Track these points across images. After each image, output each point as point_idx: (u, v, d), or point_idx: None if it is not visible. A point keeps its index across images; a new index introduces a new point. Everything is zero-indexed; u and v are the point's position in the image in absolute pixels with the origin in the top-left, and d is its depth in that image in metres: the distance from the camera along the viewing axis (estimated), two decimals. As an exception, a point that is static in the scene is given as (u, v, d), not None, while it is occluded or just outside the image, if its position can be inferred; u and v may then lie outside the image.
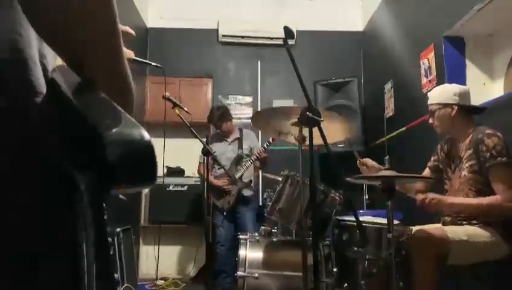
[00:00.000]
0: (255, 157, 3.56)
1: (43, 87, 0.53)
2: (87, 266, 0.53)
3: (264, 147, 3.55)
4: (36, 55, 0.54)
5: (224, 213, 3.63)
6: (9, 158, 0.49)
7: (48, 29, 0.51)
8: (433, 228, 1.99)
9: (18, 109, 0.51)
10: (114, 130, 0.44)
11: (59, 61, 0.60)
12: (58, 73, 0.55)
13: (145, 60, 1.36)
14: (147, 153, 0.47)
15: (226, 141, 3.85)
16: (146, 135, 0.46)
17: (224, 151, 3.78)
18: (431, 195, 2.01)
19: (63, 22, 0.50)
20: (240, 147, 3.76)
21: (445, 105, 2.19)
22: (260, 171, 4.02)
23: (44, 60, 0.56)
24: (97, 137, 0.43)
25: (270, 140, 3.52)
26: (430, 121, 2.28)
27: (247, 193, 3.71)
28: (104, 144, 0.43)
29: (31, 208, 0.50)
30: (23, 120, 0.51)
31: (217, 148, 3.76)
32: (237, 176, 3.60)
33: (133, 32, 0.79)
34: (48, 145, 0.51)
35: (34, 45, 0.54)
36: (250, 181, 3.63)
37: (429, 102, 2.28)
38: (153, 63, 1.64)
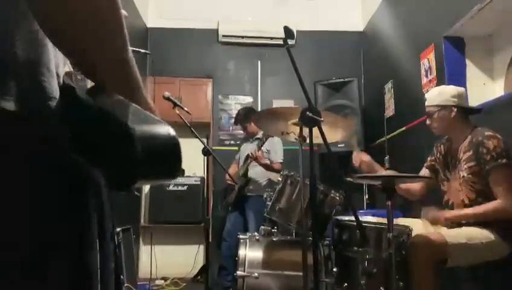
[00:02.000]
0: (250, 156, 3.56)
1: (56, 93, 0.55)
2: (103, 262, 0.55)
3: (258, 146, 3.55)
4: (51, 63, 0.56)
5: (229, 208, 3.68)
6: (23, 160, 0.50)
7: (57, 31, 0.52)
8: (432, 233, 2.00)
9: (34, 113, 0.52)
10: (141, 127, 0.45)
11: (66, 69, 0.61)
12: (69, 79, 0.57)
13: (132, 48, 1.35)
14: (173, 149, 0.49)
15: (250, 140, 3.90)
16: (172, 132, 0.49)
17: (245, 150, 3.81)
18: (431, 213, 2.05)
19: (72, 23, 0.51)
20: (259, 147, 3.73)
21: (444, 107, 2.20)
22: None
23: (57, 67, 0.58)
24: (125, 134, 0.44)
25: (264, 139, 3.50)
26: (428, 122, 2.29)
27: (249, 192, 3.71)
28: (132, 140, 0.44)
29: (43, 207, 0.51)
30: (38, 123, 0.52)
31: (242, 147, 3.93)
32: (240, 173, 3.65)
33: (125, 13, 0.79)
34: (62, 146, 0.52)
35: (50, 52, 0.56)
36: (247, 180, 3.62)
37: (427, 104, 2.28)
38: (142, 50, 1.64)
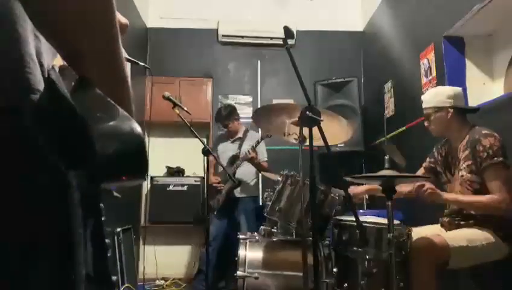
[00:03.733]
0: (243, 156, 3.54)
1: (40, 84, 0.53)
2: (82, 266, 0.53)
3: (253, 146, 3.54)
4: (33, 52, 0.54)
5: (215, 212, 3.60)
6: (2, 158, 0.48)
7: (47, 23, 0.51)
8: (433, 235, 2.00)
9: (13, 108, 0.50)
10: (104, 124, 0.44)
11: (59, 61, 0.60)
12: (55, 71, 0.55)
13: (132, 59, 1.34)
14: (136, 146, 0.46)
15: (229, 140, 3.85)
16: (137, 128, 0.46)
17: (226, 150, 3.78)
18: (428, 185, 2.02)
19: (63, 16, 0.50)
20: (240, 146, 3.73)
21: (440, 108, 2.20)
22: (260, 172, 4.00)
23: (41, 57, 0.56)
24: (87, 131, 0.43)
25: (259, 140, 3.52)
26: (426, 124, 2.30)
27: (239, 193, 3.68)
28: (93, 138, 0.42)
29: (22, 207, 0.49)
30: (18, 119, 0.50)
31: (220, 147, 3.83)
32: (229, 175, 3.50)
33: (126, 21, 0.77)
34: (41, 143, 0.50)
35: (31, 42, 0.54)
36: (239, 182, 3.55)
37: (424, 106, 2.29)
38: (141, 63, 1.62)
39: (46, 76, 0.55)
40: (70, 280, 0.52)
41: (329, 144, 1.72)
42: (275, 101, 5.00)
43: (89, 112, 0.46)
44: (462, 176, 2.14)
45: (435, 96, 2.25)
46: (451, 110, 2.18)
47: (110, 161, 0.45)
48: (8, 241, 0.48)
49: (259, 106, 5.02)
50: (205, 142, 2.97)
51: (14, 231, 0.49)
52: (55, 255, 0.51)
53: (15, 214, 0.49)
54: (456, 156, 2.21)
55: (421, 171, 2.44)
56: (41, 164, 0.50)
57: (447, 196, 2.10)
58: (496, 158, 1.99)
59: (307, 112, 1.73)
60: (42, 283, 0.50)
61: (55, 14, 0.50)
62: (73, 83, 0.54)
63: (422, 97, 2.33)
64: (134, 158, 0.47)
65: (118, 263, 3.02)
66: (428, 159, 2.44)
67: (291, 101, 4.90)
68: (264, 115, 2.37)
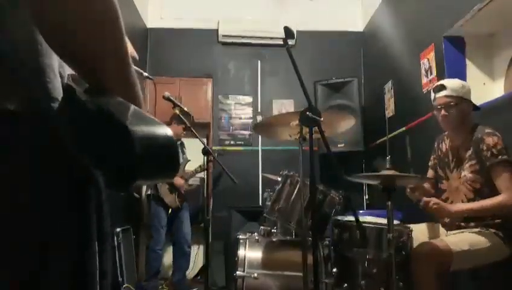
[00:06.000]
0: (202, 167, 3.72)
1: (59, 94, 0.56)
2: (101, 263, 0.55)
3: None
4: (55, 64, 0.57)
5: (169, 211, 3.82)
6: (24, 160, 0.51)
7: (57, 41, 0.53)
8: (436, 240, 2.00)
9: (38, 112, 0.53)
10: (140, 128, 0.47)
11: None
12: (71, 79, 0.57)
13: (136, 68, 1.35)
14: (171, 149, 0.51)
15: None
16: (169, 132, 0.50)
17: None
18: (434, 200, 2.03)
19: (71, 34, 0.52)
20: (183, 151, 3.88)
21: (466, 100, 2.14)
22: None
23: (61, 68, 0.59)
24: (125, 134, 0.46)
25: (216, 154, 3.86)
26: (444, 113, 2.14)
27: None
28: (132, 140, 0.45)
29: (43, 208, 0.52)
30: (43, 122, 0.53)
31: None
32: (187, 178, 3.91)
33: (136, 56, 0.82)
34: (63, 146, 0.53)
35: (53, 54, 0.56)
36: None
37: (447, 93, 2.13)
38: (145, 74, 1.65)
39: (65, 84, 0.58)
40: (86, 279, 0.55)
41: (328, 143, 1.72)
42: (275, 101, 5.01)
43: (121, 115, 0.49)
44: (464, 175, 2.13)
45: (462, 86, 2.15)
46: (471, 105, 2.16)
47: (148, 160, 0.48)
48: (29, 239, 0.51)
49: (259, 106, 5.03)
50: (205, 142, 2.97)
51: (35, 228, 0.51)
52: (73, 253, 0.54)
53: (38, 213, 0.51)
54: (458, 154, 2.20)
55: (430, 173, 2.42)
56: (62, 164, 0.53)
57: (455, 208, 2.07)
58: (500, 156, 1.98)
59: (307, 113, 1.73)
60: (58, 280, 0.52)
61: (54, 15, 0.50)
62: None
63: (447, 84, 2.16)
64: (169, 159, 0.51)
65: (118, 263, 3.02)
66: (432, 157, 2.42)
67: (291, 101, 4.91)
68: (263, 126, 2.38)
